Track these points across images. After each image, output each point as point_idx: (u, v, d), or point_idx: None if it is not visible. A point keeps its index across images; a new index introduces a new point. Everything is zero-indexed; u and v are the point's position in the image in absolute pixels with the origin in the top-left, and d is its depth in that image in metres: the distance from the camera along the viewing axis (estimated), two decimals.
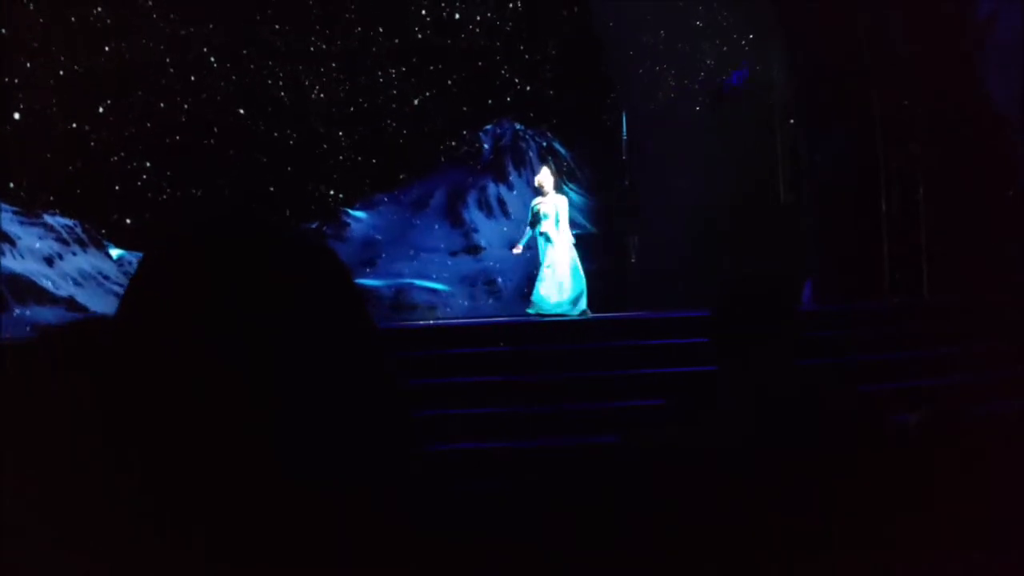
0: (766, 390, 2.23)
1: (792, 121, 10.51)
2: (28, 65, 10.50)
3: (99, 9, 11.03)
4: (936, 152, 8.98)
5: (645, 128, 11.46)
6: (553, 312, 9.25)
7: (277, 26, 11.64)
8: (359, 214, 11.99)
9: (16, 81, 10.34)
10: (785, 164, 10.71)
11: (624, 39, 11.38)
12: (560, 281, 9.39)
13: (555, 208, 9.52)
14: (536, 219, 9.53)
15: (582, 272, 9.51)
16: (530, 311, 9.37)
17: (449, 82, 12.47)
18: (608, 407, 6.31)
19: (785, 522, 2.03)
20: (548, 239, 9.42)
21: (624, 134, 11.80)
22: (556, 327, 8.31)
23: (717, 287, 2.38)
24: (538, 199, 9.68)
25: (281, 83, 11.89)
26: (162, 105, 11.42)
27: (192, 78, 11.42)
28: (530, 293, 9.52)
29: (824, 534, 2.06)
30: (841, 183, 9.21)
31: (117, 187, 11.24)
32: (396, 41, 12.23)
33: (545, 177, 9.75)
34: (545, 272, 9.32)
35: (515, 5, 12.50)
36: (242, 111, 11.69)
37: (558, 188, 9.85)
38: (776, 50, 10.30)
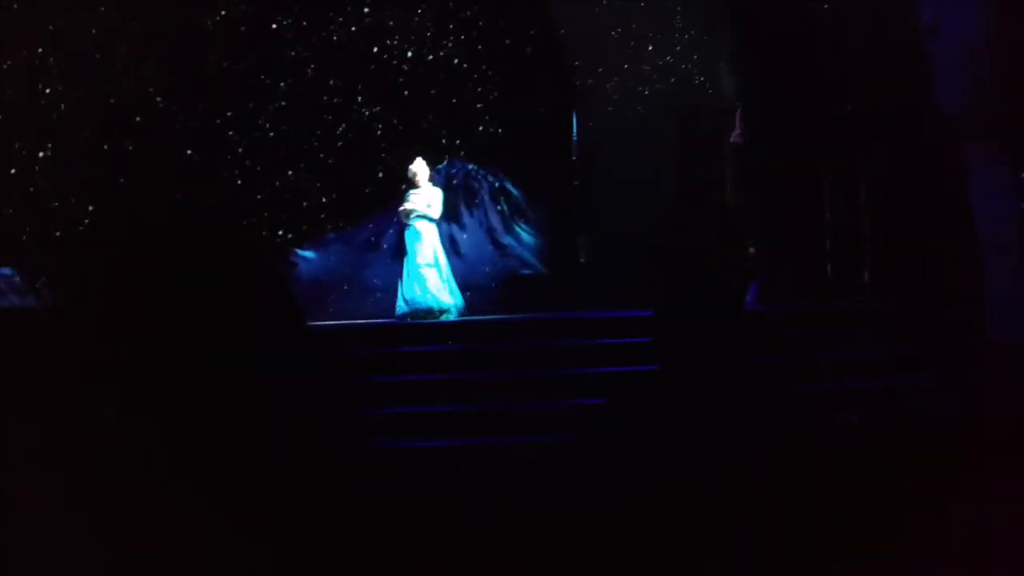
0: (709, 390, 2.21)
1: (740, 122, 10.67)
2: None
3: (40, 50, 10.85)
4: (882, 156, 9.15)
5: (595, 129, 11.59)
6: (435, 308, 9.24)
7: (226, 64, 11.53)
8: (308, 254, 11.83)
9: None
10: (733, 165, 10.88)
11: (575, 45, 11.54)
12: (443, 279, 9.45)
13: (428, 202, 9.55)
14: (409, 213, 9.55)
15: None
16: (404, 312, 9.29)
17: (400, 121, 12.42)
18: (555, 406, 6.32)
19: (729, 522, 2.01)
20: (421, 234, 9.42)
21: (574, 135, 11.92)
22: (502, 326, 8.33)
23: (661, 287, 2.41)
24: (411, 192, 9.67)
25: (230, 123, 11.75)
26: (106, 147, 11.20)
27: (138, 119, 11.23)
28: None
29: (770, 534, 2.06)
30: (787, 185, 9.36)
31: (58, 233, 10.96)
32: (347, 81, 12.18)
33: (419, 168, 9.77)
34: (426, 271, 9.30)
35: (464, 41, 12.50)
36: (190, 151, 11.51)
37: (434, 181, 9.87)
38: (725, 51, 10.51)
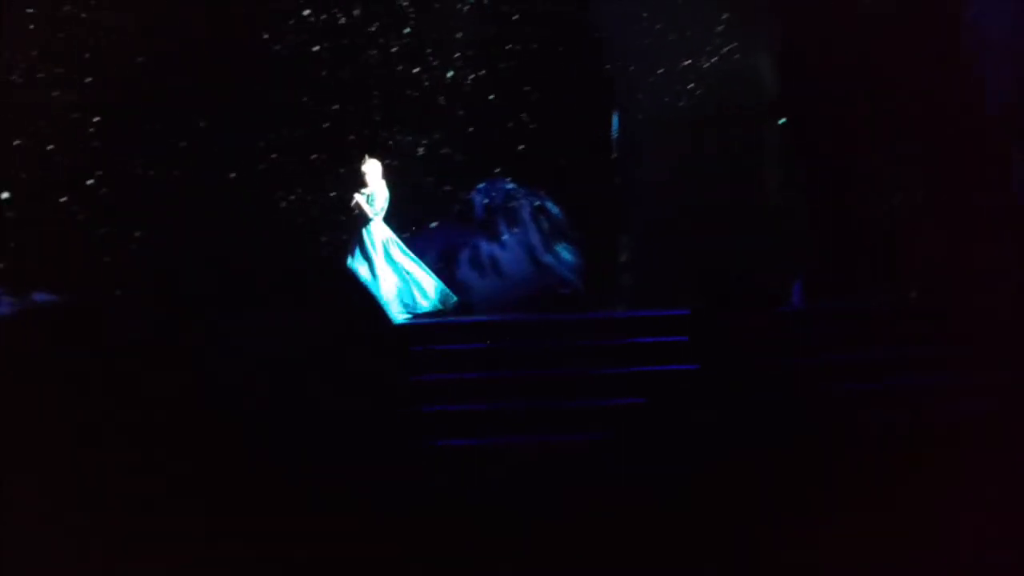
0: (749, 388, 2.29)
1: (782, 121, 10.65)
2: (15, 143, 10.61)
3: (89, 80, 11.18)
4: (926, 154, 9.05)
5: (635, 127, 11.71)
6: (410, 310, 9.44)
7: (263, 87, 11.70)
8: None
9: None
10: (774, 163, 10.83)
11: (613, 45, 11.64)
12: (409, 277, 9.65)
13: (371, 200, 9.87)
14: (359, 213, 9.80)
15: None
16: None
17: (440, 143, 12.48)
18: (594, 405, 6.34)
19: (770, 516, 1.99)
20: (372, 234, 9.71)
21: (615, 132, 11.92)
22: (540, 325, 8.35)
23: (700, 288, 2.41)
24: (364, 191, 9.97)
25: (270, 147, 11.90)
26: (151, 173, 11.45)
27: (182, 144, 11.47)
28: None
29: (808, 528, 2.03)
30: (829, 183, 9.34)
31: (107, 259, 11.20)
32: (384, 101, 12.29)
33: (369, 168, 10.13)
34: (377, 273, 9.54)
35: (502, 60, 12.55)
36: (233, 175, 11.70)
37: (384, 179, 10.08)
38: (767, 50, 10.52)
